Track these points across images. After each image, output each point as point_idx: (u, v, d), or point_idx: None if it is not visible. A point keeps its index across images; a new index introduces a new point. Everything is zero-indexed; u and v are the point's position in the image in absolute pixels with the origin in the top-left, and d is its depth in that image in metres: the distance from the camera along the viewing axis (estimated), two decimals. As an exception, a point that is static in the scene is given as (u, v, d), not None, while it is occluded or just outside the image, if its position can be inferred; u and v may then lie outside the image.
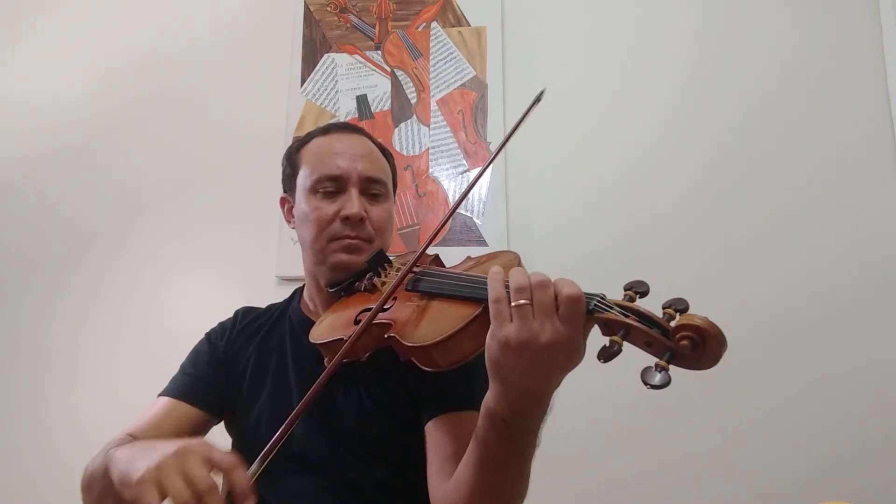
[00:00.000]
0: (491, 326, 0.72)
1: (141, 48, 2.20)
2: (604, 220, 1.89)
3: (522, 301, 0.70)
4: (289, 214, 1.19)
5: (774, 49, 1.93)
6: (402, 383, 1.01)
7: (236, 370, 1.14)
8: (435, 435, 0.97)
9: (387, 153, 1.20)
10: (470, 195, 1.94)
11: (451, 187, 1.96)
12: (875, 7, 1.91)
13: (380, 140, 1.23)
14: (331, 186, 1.09)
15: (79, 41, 2.24)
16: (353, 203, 1.07)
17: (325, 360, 0.98)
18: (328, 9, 2.13)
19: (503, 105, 1.97)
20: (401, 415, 1.02)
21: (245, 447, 1.07)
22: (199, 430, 1.10)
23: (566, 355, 0.70)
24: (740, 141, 1.89)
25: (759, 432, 1.71)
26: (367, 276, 1.06)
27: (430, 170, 1.98)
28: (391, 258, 1.09)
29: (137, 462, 0.73)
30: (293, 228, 1.17)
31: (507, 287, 0.73)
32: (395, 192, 1.21)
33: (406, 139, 2.00)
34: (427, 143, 1.99)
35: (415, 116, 2.02)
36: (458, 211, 1.93)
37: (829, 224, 1.81)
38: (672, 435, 1.73)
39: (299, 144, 1.18)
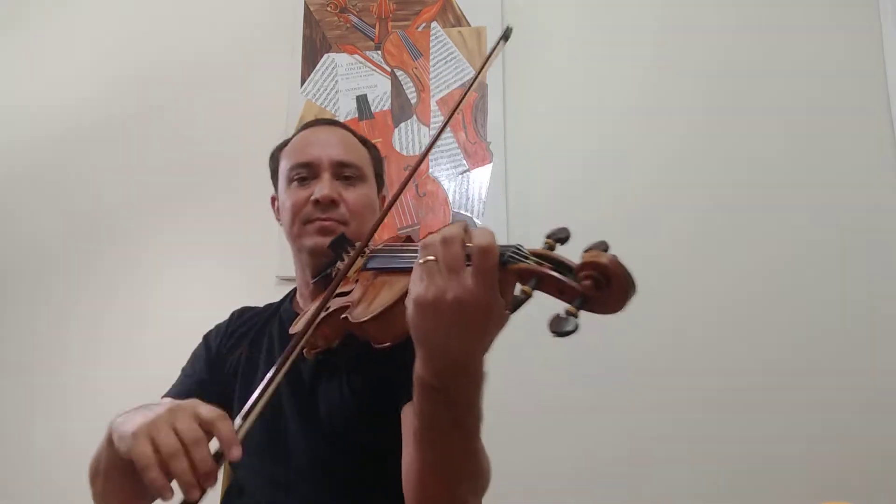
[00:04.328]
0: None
1: (140, 48, 2.20)
2: (604, 220, 1.88)
3: (429, 257, 0.67)
4: (277, 212, 1.22)
5: (774, 50, 1.93)
6: (379, 369, 0.99)
7: (228, 369, 1.16)
8: (408, 419, 0.95)
9: (367, 144, 1.22)
10: (470, 195, 1.94)
11: (452, 187, 1.95)
12: (875, 7, 1.91)
13: (371, 138, 1.25)
14: (304, 173, 1.11)
15: (78, 42, 2.24)
16: (323, 185, 1.09)
17: (304, 351, 0.96)
18: (328, 9, 2.13)
19: (503, 105, 1.97)
20: (378, 401, 1.01)
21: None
22: None
23: (479, 313, 0.66)
24: (741, 141, 1.89)
25: (760, 432, 1.70)
26: (337, 262, 1.05)
27: (430, 170, 1.98)
28: (353, 242, 1.06)
29: (133, 420, 0.76)
30: (281, 225, 1.19)
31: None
32: (382, 183, 1.22)
33: (406, 139, 2.00)
34: (427, 143, 1.99)
35: (415, 116, 2.02)
36: (457, 211, 1.93)
37: (829, 224, 1.81)
38: (670, 433, 1.73)
39: (283, 143, 1.22)
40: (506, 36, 1.01)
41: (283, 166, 1.16)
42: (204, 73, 2.16)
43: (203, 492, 0.69)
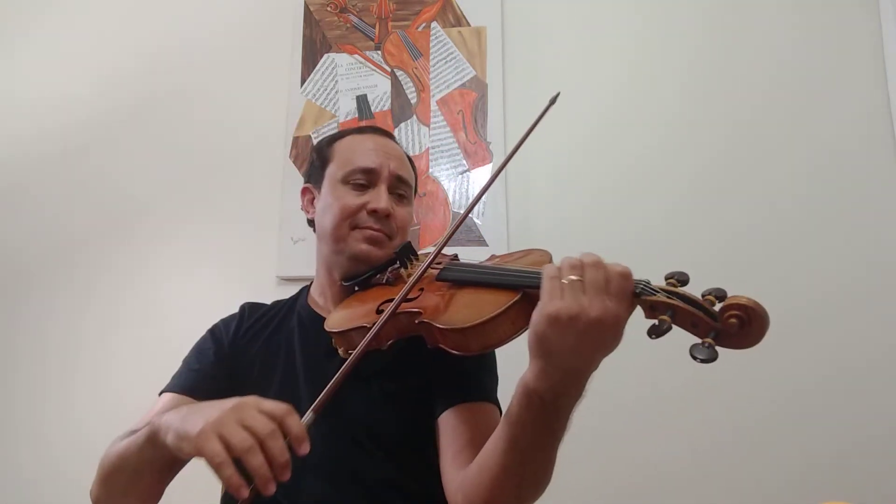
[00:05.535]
0: (540, 302, 0.74)
1: (140, 49, 2.20)
2: (604, 220, 1.89)
3: (574, 277, 0.73)
4: (309, 204, 1.22)
5: (774, 49, 1.93)
6: (416, 377, 1.03)
7: (242, 366, 1.14)
8: (450, 424, 0.98)
9: (412, 162, 1.25)
10: (470, 195, 1.94)
11: (451, 187, 1.96)
12: (875, 7, 1.91)
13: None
14: (362, 179, 1.13)
15: (78, 42, 2.24)
16: (382, 197, 1.11)
17: (341, 350, 0.99)
18: (328, 9, 2.13)
19: (503, 105, 1.97)
20: (413, 409, 1.03)
21: None
22: None
23: (611, 334, 0.72)
24: (740, 141, 1.89)
25: (760, 432, 1.70)
26: (392, 268, 1.09)
27: (430, 170, 1.98)
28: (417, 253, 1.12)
29: (192, 420, 0.75)
30: (310, 217, 1.20)
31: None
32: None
33: (406, 139, 2.00)
34: (427, 143, 1.99)
35: (415, 116, 2.02)
36: (457, 211, 1.93)
37: (828, 224, 1.81)
38: (672, 435, 1.73)
39: (332, 139, 1.22)
40: (553, 100, 1.11)
41: (338, 165, 1.16)
42: (203, 73, 2.16)
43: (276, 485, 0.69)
